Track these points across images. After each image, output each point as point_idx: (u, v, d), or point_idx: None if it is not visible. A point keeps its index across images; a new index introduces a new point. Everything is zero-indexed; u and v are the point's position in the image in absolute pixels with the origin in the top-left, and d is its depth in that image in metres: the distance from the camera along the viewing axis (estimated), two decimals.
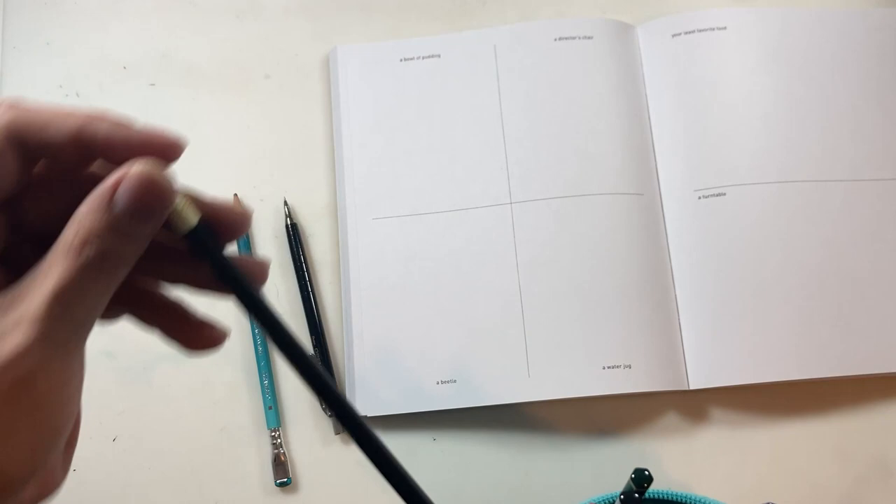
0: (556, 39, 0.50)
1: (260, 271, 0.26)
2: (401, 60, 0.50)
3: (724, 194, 0.47)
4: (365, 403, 0.45)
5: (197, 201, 0.25)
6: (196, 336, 0.27)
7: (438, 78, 0.50)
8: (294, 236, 0.48)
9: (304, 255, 0.48)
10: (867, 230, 0.47)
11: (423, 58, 0.50)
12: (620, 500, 0.30)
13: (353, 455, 0.46)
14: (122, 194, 0.22)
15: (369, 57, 0.51)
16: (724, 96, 0.48)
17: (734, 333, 0.45)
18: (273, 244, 0.49)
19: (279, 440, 0.45)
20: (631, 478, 0.30)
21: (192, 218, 0.24)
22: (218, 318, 0.27)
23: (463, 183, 0.48)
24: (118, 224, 0.22)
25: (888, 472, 0.45)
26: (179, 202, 0.24)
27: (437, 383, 0.45)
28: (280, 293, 0.48)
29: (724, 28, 0.49)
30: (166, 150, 0.24)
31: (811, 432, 0.46)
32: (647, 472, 0.30)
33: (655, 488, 0.40)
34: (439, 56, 0.50)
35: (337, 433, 0.45)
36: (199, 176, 0.50)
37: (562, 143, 0.48)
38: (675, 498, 0.37)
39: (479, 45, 0.50)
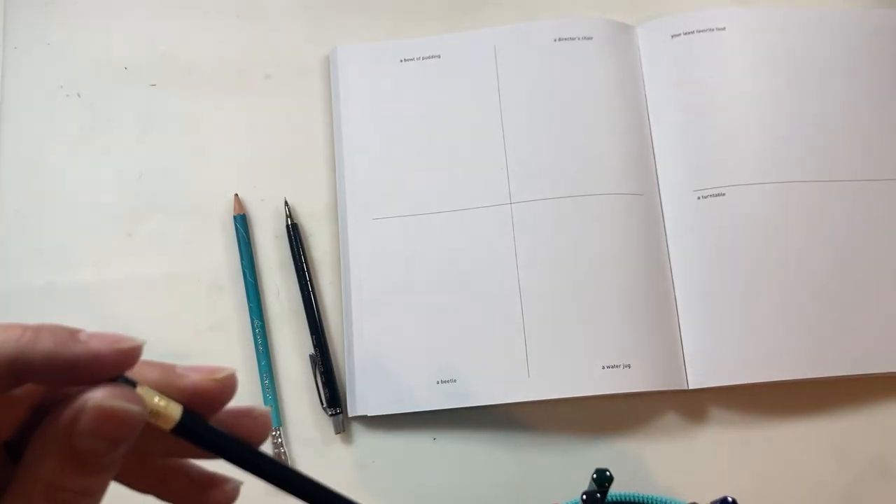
0: (555, 40, 0.50)
1: (261, 427, 0.24)
2: (401, 61, 0.51)
3: (724, 194, 0.47)
4: (365, 403, 0.45)
5: (175, 388, 0.23)
6: (203, 499, 0.25)
7: (438, 78, 0.50)
8: (294, 236, 0.48)
9: (304, 255, 0.48)
10: (866, 230, 0.47)
11: (423, 58, 0.50)
12: (583, 500, 0.31)
13: (354, 455, 0.46)
14: (83, 435, 0.20)
15: (369, 57, 0.51)
16: (723, 96, 0.48)
17: (733, 333, 0.45)
18: (273, 244, 0.49)
19: (279, 439, 0.45)
20: (592, 478, 0.31)
21: (174, 413, 0.22)
22: (228, 475, 0.25)
23: (463, 183, 0.48)
24: (84, 463, 0.20)
25: (887, 472, 0.45)
26: (157, 403, 0.22)
27: (437, 383, 0.45)
28: (280, 293, 0.48)
29: (724, 29, 0.49)
30: (119, 363, 0.21)
31: (810, 432, 0.46)
32: (608, 473, 0.30)
33: (647, 490, 0.40)
34: (439, 56, 0.50)
35: (337, 433, 0.46)
36: (199, 176, 0.50)
37: (562, 143, 0.48)
38: (636, 499, 0.37)
39: (478, 45, 0.50)
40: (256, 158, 0.50)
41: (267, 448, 0.46)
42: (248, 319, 0.47)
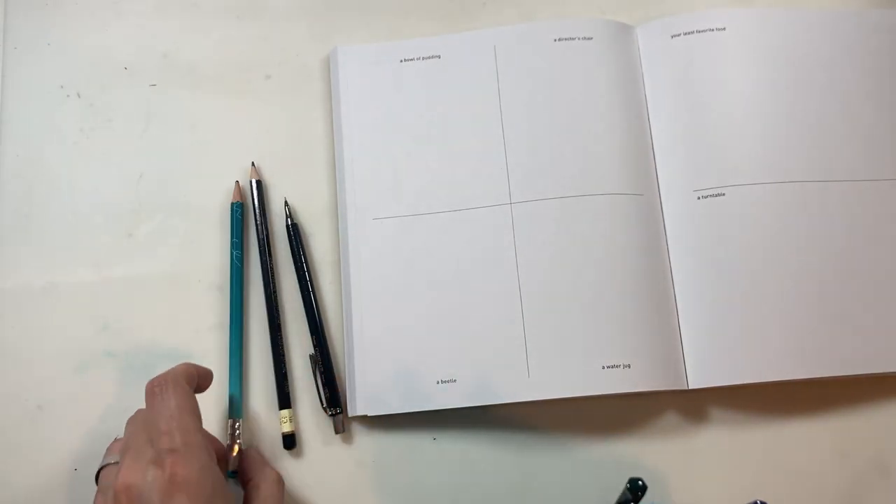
0: (555, 40, 0.50)
1: None
2: (401, 61, 0.51)
3: (724, 194, 0.47)
4: (365, 403, 0.45)
5: None
6: None
7: (438, 78, 0.50)
8: (295, 236, 0.48)
9: (304, 255, 0.48)
10: (866, 230, 0.47)
11: (423, 58, 0.51)
12: None
13: (354, 455, 0.46)
14: None
15: (369, 57, 0.51)
16: (723, 97, 0.49)
17: (733, 333, 0.45)
18: (274, 244, 0.49)
19: (238, 432, 0.45)
20: (626, 487, 0.30)
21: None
22: None
23: (463, 183, 0.48)
24: None
25: (887, 472, 0.45)
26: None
27: (437, 383, 0.45)
28: (280, 293, 0.48)
29: (724, 29, 0.49)
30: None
31: (810, 432, 0.46)
32: (640, 482, 0.30)
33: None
34: (439, 57, 0.51)
35: (337, 433, 0.46)
36: (199, 176, 0.50)
37: (562, 144, 0.48)
38: None
39: (478, 45, 0.50)
40: (257, 158, 0.50)
41: (269, 440, 0.45)
42: (247, 320, 0.47)
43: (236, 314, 0.47)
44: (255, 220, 0.48)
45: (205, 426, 0.39)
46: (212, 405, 0.46)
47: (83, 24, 0.53)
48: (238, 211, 0.48)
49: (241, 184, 0.49)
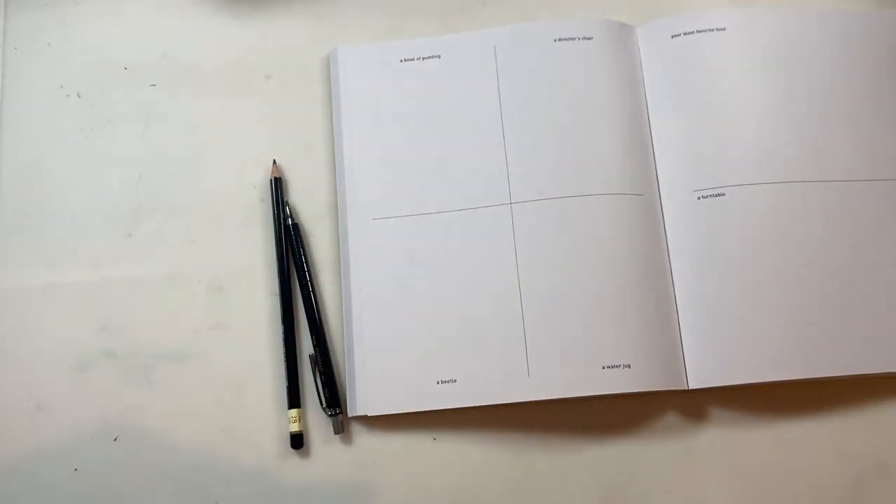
0: (555, 40, 0.50)
1: None
2: (401, 61, 0.51)
3: (724, 194, 0.47)
4: (365, 403, 0.45)
5: None
6: None
7: (438, 78, 0.50)
8: (295, 236, 0.48)
9: (304, 255, 0.48)
10: (866, 230, 0.47)
11: (423, 58, 0.51)
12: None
13: (354, 455, 0.46)
14: None
15: (369, 57, 0.51)
16: (723, 97, 0.49)
17: (733, 333, 0.45)
18: (274, 244, 0.49)
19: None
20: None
21: None
22: None
23: (463, 183, 0.48)
24: None
25: (888, 472, 0.45)
26: None
27: (437, 383, 0.45)
28: (280, 293, 0.48)
29: (724, 29, 0.49)
30: None
31: (811, 432, 0.46)
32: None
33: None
34: (439, 57, 0.51)
35: (337, 433, 0.46)
36: (199, 177, 0.50)
37: (562, 144, 0.48)
38: None
39: (478, 45, 0.50)
40: (256, 159, 0.50)
41: (267, 443, 0.45)
42: (247, 320, 0.47)
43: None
44: (274, 217, 0.49)
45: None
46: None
47: (83, 24, 0.53)
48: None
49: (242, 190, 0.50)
